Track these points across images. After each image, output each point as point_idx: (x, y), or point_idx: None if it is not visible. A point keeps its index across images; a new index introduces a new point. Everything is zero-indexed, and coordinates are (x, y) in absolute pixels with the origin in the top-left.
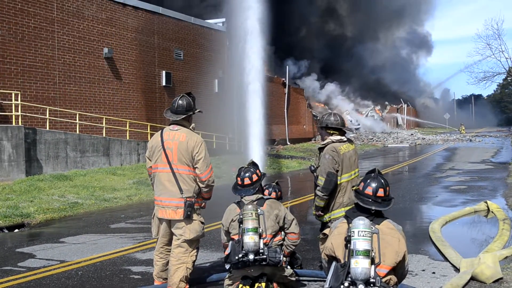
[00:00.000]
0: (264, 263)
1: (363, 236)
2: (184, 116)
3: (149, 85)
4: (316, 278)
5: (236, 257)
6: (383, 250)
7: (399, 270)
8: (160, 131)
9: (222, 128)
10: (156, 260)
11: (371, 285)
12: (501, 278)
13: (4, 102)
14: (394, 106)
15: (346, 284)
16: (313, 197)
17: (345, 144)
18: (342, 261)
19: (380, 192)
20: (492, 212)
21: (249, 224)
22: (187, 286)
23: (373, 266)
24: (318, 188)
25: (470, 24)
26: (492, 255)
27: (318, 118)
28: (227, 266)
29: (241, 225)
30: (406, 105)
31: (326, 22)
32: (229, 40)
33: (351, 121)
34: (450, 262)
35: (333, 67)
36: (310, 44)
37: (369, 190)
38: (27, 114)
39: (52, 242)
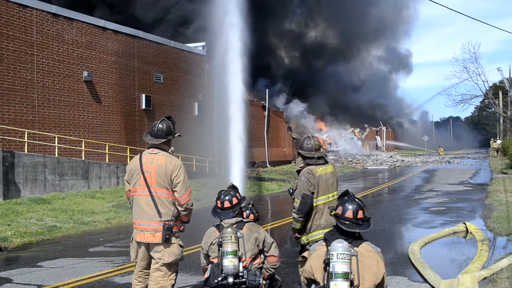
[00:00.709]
0: (243, 286)
1: (342, 258)
2: (164, 140)
3: (128, 108)
4: None
5: (216, 281)
6: (362, 273)
7: None
8: (139, 155)
9: (202, 151)
10: (134, 284)
11: None
12: None
13: None
14: (373, 128)
15: None
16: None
17: (322, 166)
18: (321, 284)
19: (360, 214)
20: (470, 233)
21: (229, 247)
22: None
23: None
24: (294, 210)
25: (448, 47)
26: (471, 276)
27: (297, 140)
28: None
29: (220, 248)
30: (385, 127)
31: (302, 42)
32: (209, 64)
33: (330, 143)
34: (429, 284)
35: (309, 89)
36: (284, 64)
37: (349, 214)
38: (5, 137)
39: (29, 266)
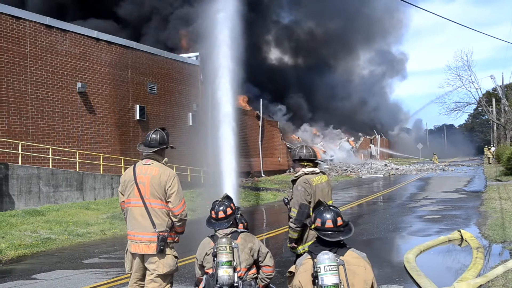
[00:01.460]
0: None
1: (329, 270)
2: (157, 149)
3: (123, 119)
4: None
5: None
6: (351, 281)
7: None
8: (133, 166)
9: (196, 161)
10: None
11: None
12: None
13: None
14: (367, 137)
15: None
16: (287, 229)
17: (318, 175)
18: None
19: (340, 221)
20: (466, 241)
21: (223, 257)
22: None
23: None
24: (291, 220)
25: (441, 56)
26: (466, 283)
27: (291, 150)
28: None
29: (215, 259)
30: (379, 136)
31: (294, 50)
32: (202, 74)
33: (324, 152)
34: None
35: (293, 95)
36: (276, 72)
37: (329, 224)
38: None
39: (24, 279)
